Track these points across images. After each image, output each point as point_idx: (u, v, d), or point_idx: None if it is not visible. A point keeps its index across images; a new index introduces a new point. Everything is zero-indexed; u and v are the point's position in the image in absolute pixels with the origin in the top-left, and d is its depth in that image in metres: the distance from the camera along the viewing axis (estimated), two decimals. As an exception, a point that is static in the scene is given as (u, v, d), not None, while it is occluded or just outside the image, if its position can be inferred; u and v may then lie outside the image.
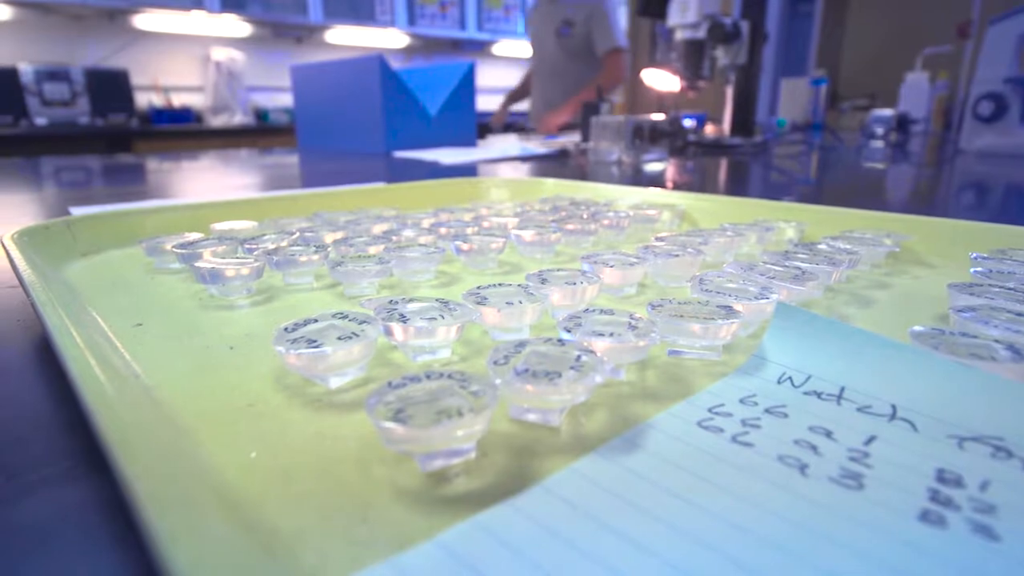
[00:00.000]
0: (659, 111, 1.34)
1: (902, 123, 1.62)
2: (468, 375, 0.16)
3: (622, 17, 2.02)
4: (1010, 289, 0.25)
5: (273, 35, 3.08)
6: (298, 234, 0.37)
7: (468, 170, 0.94)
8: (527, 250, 0.37)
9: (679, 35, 1.27)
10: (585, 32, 1.86)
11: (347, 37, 3.21)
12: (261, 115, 2.94)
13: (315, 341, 0.19)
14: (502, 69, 3.92)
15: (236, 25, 2.88)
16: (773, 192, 0.72)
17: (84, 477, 0.15)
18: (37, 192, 0.74)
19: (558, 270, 0.27)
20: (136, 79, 2.65)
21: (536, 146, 1.31)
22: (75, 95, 2.41)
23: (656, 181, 0.81)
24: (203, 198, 0.54)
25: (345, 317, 0.20)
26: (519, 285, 0.24)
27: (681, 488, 0.13)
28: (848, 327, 0.19)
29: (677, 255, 0.30)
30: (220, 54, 2.80)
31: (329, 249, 0.32)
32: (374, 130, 1.26)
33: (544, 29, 1.95)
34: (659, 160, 1.05)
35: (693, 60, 1.27)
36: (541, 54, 1.97)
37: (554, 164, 1.04)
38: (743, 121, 1.35)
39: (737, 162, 1.05)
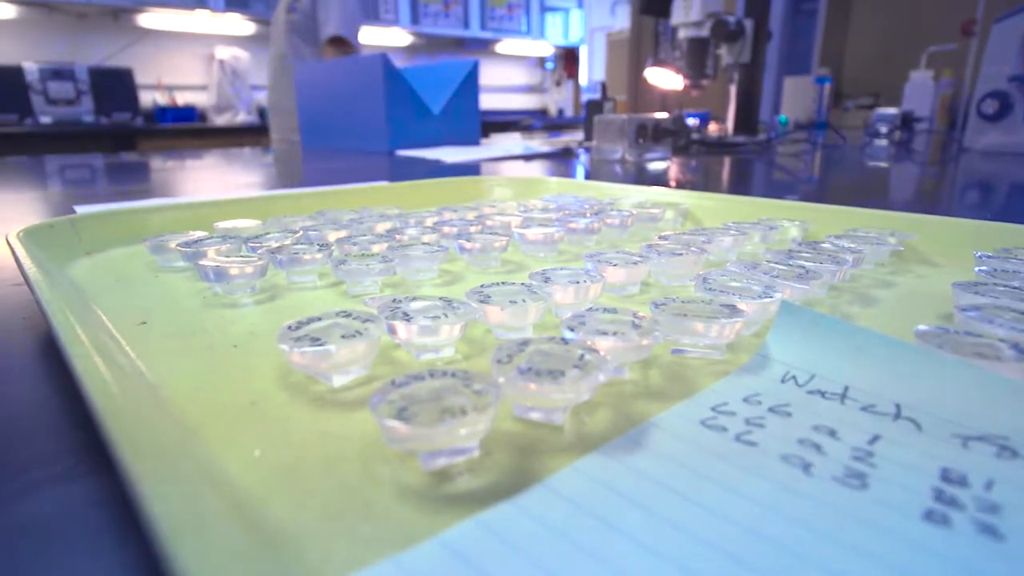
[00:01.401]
0: (662, 110, 1.34)
1: (906, 121, 1.62)
2: (471, 374, 0.16)
3: (357, 7, 1.69)
4: (1015, 288, 0.24)
5: (276, 34, 3.08)
6: (301, 232, 0.37)
7: (471, 169, 0.94)
8: (530, 249, 0.37)
9: (682, 33, 1.26)
10: (311, 11, 1.64)
11: (350, 36, 3.21)
12: (265, 113, 2.94)
13: (319, 339, 0.19)
14: (506, 68, 3.92)
15: (240, 24, 2.88)
16: (777, 191, 0.72)
17: (88, 475, 0.15)
18: (42, 190, 0.74)
19: (561, 269, 0.27)
20: (140, 78, 2.65)
21: (539, 144, 1.31)
22: (79, 94, 2.42)
23: (659, 180, 0.81)
24: (207, 196, 0.54)
25: (349, 315, 0.20)
26: (522, 284, 0.24)
27: (684, 487, 0.13)
28: (852, 326, 0.19)
29: (680, 254, 0.30)
30: (224, 52, 2.81)
31: (332, 247, 0.32)
32: (377, 129, 1.26)
33: (280, 7, 1.72)
34: (662, 159, 1.05)
35: (696, 58, 1.27)
36: (275, 38, 1.74)
37: (557, 162, 1.04)
38: (746, 120, 1.35)
39: (740, 161, 1.04)
